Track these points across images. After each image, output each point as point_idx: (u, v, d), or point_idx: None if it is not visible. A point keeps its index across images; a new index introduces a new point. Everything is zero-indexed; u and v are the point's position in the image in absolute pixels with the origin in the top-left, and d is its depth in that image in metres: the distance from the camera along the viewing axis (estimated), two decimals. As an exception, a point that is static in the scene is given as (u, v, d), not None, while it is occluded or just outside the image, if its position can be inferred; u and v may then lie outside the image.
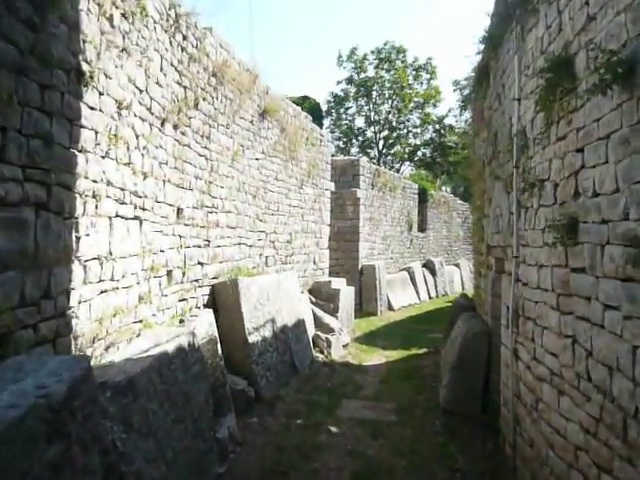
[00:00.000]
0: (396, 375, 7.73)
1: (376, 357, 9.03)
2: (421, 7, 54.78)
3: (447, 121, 35.36)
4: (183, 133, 5.11)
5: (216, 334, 4.88)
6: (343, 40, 59.34)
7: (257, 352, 6.03)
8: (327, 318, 9.10)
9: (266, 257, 8.03)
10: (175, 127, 4.86)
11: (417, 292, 15.92)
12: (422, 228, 17.99)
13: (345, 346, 9.16)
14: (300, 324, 7.64)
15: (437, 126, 35.13)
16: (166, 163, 4.67)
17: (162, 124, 4.51)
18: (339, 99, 35.80)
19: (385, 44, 35.20)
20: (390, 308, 13.91)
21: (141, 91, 4.05)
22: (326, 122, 34.12)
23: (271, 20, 50.94)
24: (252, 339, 5.98)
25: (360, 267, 13.25)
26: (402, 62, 35.04)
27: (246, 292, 6.06)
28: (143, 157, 4.09)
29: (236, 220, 6.79)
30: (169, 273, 4.85)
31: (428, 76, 34.99)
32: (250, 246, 7.37)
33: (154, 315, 4.46)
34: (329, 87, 58.49)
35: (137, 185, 3.97)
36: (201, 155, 5.67)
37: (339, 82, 36.11)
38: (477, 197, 7.41)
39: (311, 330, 8.49)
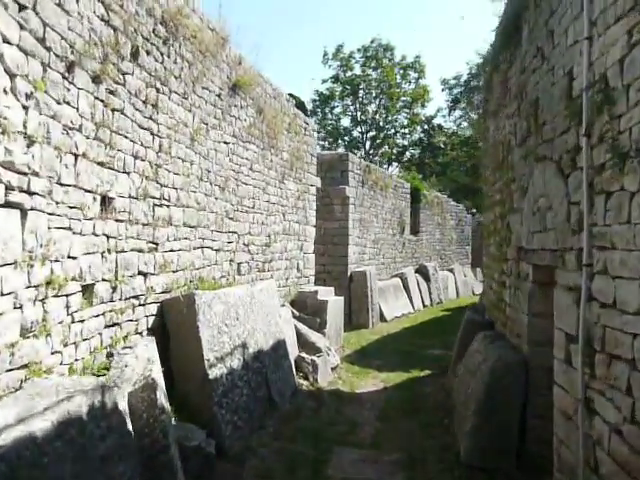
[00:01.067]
0: (397, 407, 6.32)
1: (371, 382, 7.62)
2: (409, 5, 53.80)
3: (436, 121, 34.41)
4: (112, 92, 3.65)
5: (155, 375, 3.43)
6: (329, 37, 57.90)
7: (221, 390, 4.57)
8: (313, 336, 7.66)
9: (238, 264, 6.57)
10: (96, 80, 3.40)
11: (411, 300, 14.57)
12: (415, 231, 16.66)
13: (334, 368, 7.73)
14: (280, 346, 6.19)
15: (426, 126, 34.01)
16: (79, 129, 3.21)
17: (69, 69, 3.05)
18: (324, 98, 34.55)
19: (372, 42, 34.05)
20: (382, 319, 12.52)
21: (21, 7, 2.60)
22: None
23: (251, 15, 49.36)
24: (214, 373, 4.53)
25: (349, 273, 11.85)
26: (389, 60, 33.90)
27: (207, 311, 4.60)
28: (26, 111, 2.63)
29: (197, 217, 5.34)
30: (87, 288, 3.38)
31: (416, 75, 33.92)
32: (217, 250, 5.92)
33: (56, 353, 2.99)
34: (314, 86, 57.09)
35: (14, 154, 2.51)
36: (144, 128, 4.21)
37: (324, 81, 34.88)
38: (497, 190, 6.07)
39: (294, 351, 7.05)
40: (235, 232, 6.44)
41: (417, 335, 11.20)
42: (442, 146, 34.11)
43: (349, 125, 34.76)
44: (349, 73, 34.03)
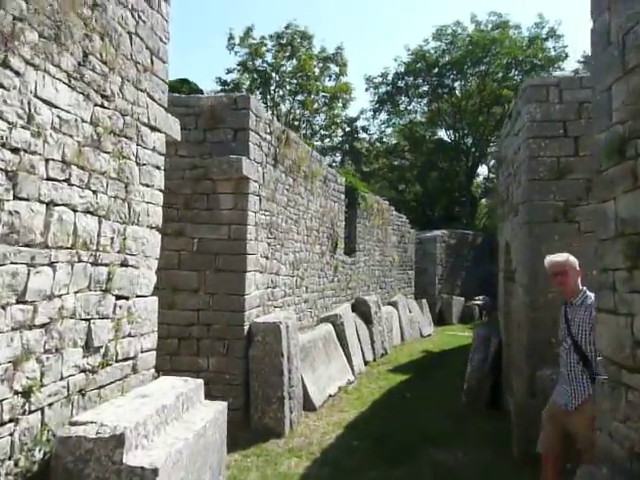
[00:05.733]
0: None
1: None
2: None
3: (358, 124, 29.95)
4: None
5: None
6: (236, 20, 50.27)
7: None
8: None
9: None
10: None
11: (349, 359, 9.08)
12: (351, 249, 11.29)
13: None
14: None
15: (348, 128, 29.35)
16: None
17: None
18: (230, 89, 28.77)
19: (287, 27, 28.95)
20: (307, 405, 6.87)
21: None
22: (212, 117, 26.83)
23: None
24: None
25: (247, 327, 6.11)
26: (307, 49, 28.99)
27: None
28: None
29: None
30: None
31: (337, 69, 29.25)
32: None
33: None
34: (217, 74, 49.66)
35: None
36: None
37: (230, 71, 29.22)
38: None
39: None
40: None
41: (380, 453, 5.63)
42: (365, 153, 29.68)
43: (258, 123, 29.23)
44: (259, 61, 28.65)
